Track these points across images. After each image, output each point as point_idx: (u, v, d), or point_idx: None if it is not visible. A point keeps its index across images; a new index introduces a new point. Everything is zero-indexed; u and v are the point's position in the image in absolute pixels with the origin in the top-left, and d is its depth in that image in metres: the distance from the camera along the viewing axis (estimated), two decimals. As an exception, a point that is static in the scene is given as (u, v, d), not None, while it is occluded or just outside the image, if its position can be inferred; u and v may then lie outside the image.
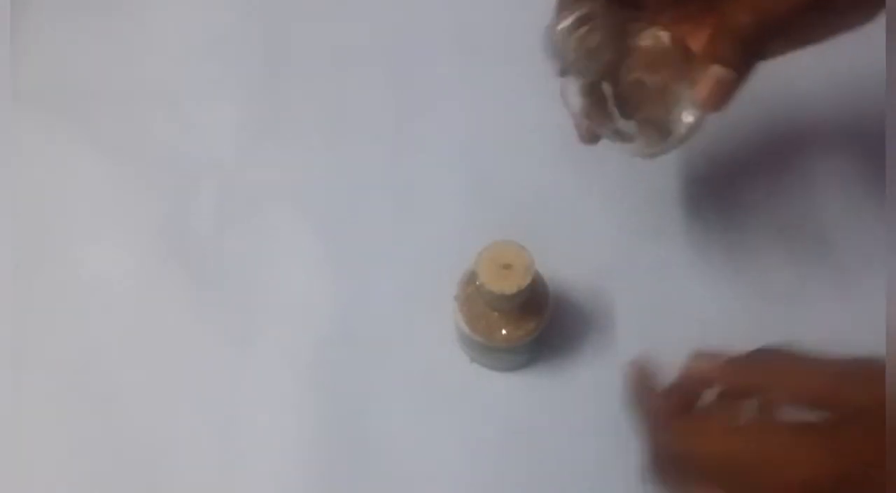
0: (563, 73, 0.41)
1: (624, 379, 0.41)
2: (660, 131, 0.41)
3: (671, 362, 0.40)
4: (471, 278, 0.44)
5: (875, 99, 0.53)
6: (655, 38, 0.41)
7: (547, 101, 0.55)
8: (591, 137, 0.43)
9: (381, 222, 0.52)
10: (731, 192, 0.52)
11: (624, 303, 0.48)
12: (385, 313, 0.49)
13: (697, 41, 0.41)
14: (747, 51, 0.40)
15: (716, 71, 0.40)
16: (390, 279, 0.50)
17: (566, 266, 0.48)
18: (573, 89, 0.41)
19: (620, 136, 0.42)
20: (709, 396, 0.38)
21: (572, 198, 0.52)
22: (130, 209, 0.53)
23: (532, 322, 0.44)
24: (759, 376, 0.38)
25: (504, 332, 0.44)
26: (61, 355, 0.49)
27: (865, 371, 0.36)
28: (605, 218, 0.52)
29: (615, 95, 0.41)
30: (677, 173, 0.53)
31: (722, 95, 0.40)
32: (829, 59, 0.54)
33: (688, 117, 0.41)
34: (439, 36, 0.59)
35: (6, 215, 0.53)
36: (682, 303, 0.49)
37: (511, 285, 0.42)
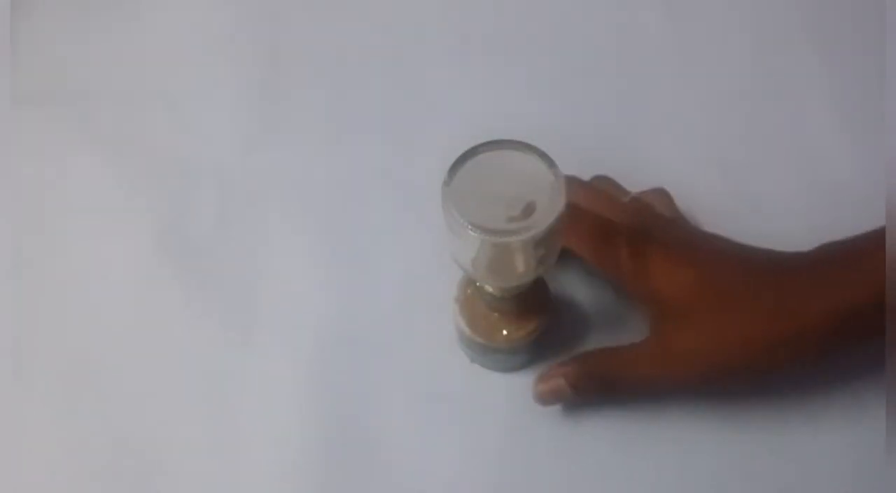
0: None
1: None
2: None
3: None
4: (471, 280, 0.44)
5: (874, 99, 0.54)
6: None
7: (547, 102, 0.56)
8: None
9: (381, 222, 0.52)
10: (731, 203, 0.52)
11: (624, 304, 0.48)
12: (385, 313, 0.49)
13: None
14: (603, 389, 0.43)
15: (559, 383, 0.43)
16: (390, 279, 0.50)
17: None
18: None
19: None
20: None
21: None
22: (130, 209, 0.53)
23: (532, 323, 0.44)
24: None
25: (505, 332, 0.44)
26: (61, 353, 0.49)
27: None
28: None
29: None
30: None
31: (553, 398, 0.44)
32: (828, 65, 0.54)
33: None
34: (439, 36, 0.59)
35: (6, 215, 0.53)
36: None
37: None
